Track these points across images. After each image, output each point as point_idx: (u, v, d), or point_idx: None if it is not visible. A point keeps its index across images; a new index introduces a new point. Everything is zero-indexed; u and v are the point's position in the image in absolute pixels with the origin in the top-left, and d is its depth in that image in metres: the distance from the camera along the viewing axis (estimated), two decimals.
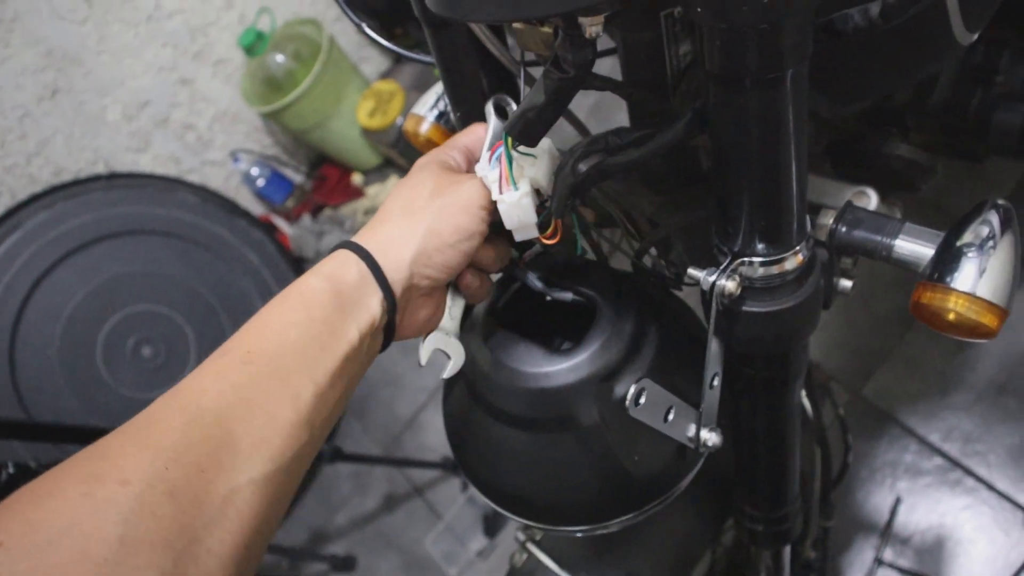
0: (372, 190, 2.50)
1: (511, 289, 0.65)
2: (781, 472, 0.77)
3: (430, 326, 0.59)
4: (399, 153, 2.38)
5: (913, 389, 1.59)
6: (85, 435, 1.24)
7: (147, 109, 2.34)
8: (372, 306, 0.52)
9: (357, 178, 2.57)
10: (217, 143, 2.48)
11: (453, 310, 0.60)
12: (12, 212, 1.93)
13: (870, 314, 1.68)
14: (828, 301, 0.64)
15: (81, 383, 1.83)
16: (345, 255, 0.54)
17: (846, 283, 0.63)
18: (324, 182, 2.60)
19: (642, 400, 0.52)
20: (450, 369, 0.59)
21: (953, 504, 1.46)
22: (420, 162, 0.58)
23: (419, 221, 0.54)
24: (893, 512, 1.48)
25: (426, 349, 0.59)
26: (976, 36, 0.70)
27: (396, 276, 0.53)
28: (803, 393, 0.99)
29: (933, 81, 0.98)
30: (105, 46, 2.22)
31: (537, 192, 0.56)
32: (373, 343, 0.53)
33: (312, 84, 2.22)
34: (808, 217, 0.58)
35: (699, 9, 0.43)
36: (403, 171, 2.52)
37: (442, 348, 0.59)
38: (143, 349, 1.91)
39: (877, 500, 1.51)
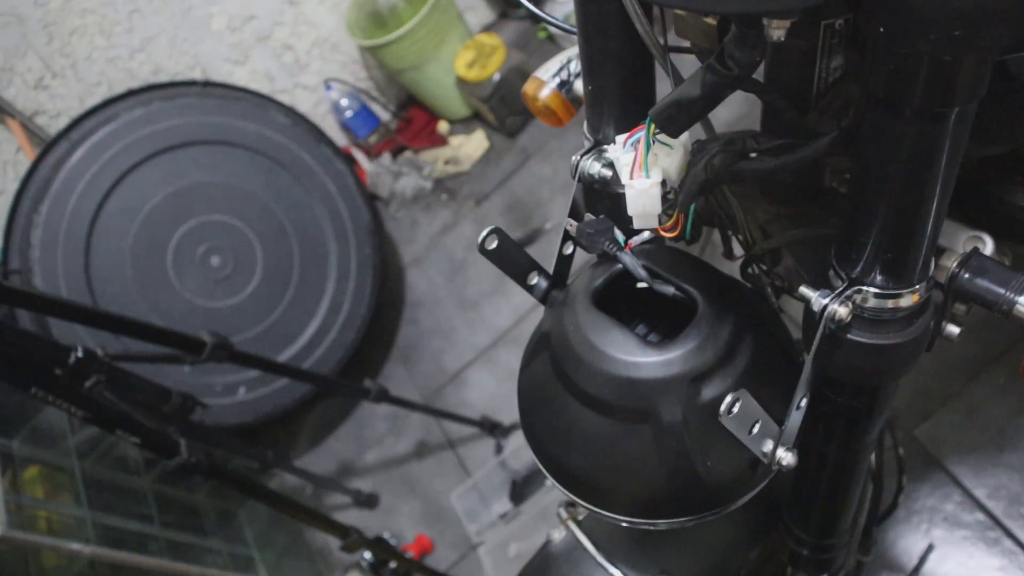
0: (456, 140, 2.50)
1: (612, 271, 0.64)
2: (840, 503, 0.76)
3: None
4: (489, 108, 2.37)
5: (968, 440, 1.55)
6: (145, 331, 1.27)
7: (251, 23, 2.35)
8: None
9: (443, 126, 2.57)
10: (313, 68, 2.49)
11: None
12: (110, 102, 1.97)
13: (937, 357, 1.64)
14: (931, 344, 0.63)
15: (149, 281, 1.88)
16: None
17: (953, 329, 0.61)
18: (410, 124, 2.60)
19: (735, 409, 0.52)
20: None
21: (987, 563, 1.43)
22: None
23: None
24: (923, 558, 1.45)
25: None
26: None
27: None
28: None
29: None
30: None
31: (663, 183, 0.56)
32: None
33: (417, 25, 2.21)
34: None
35: (881, 29, 0.42)
36: (490, 127, 2.51)
37: None
38: (212, 258, 1.94)
39: (909, 543, 1.49)
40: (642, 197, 0.53)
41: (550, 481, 0.67)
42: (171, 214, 1.90)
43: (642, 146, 0.52)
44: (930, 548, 1.47)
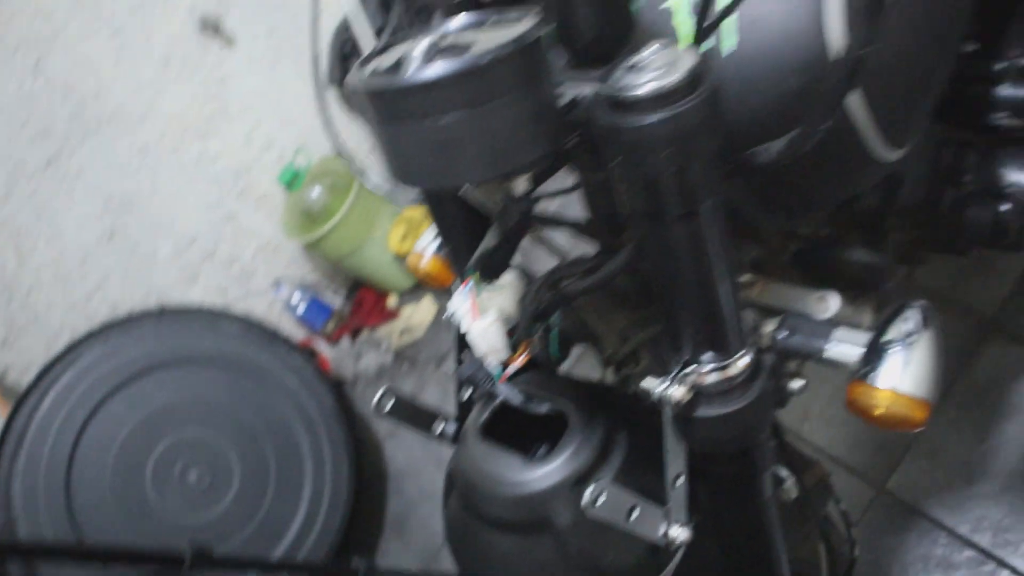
0: (406, 311, 2.61)
1: (494, 404, 0.72)
2: (767, 567, 0.80)
3: None
4: None
5: (938, 480, 1.59)
6: (132, 557, 1.31)
7: (195, 245, 2.50)
8: None
9: (392, 300, 2.68)
10: (260, 273, 2.62)
11: None
12: (71, 348, 2.07)
13: None
14: (783, 400, 0.70)
15: (131, 510, 1.92)
16: None
17: (797, 383, 0.69)
18: (361, 305, 2.72)
19: (601, 501, 0.58)
20: None
21: None
22: None
23: None
24: None
25: None
26: (905, 150, 0.77)
27: None
28: (799, 487, 1.03)
29: (898, 185, 1.04)
30: (157, 190, 2.41)
31: (508, 319, 0.64)
32: None
33: (345, 215, 2.36)
34: (754, 326, 0.65)
35: (613, 163, 0.52)
36: (434, 292, 2.63)
37: None
38: (190, 473, 1.99)
39: None
40: (484, 336, 0.62)
41: None
42: (143, 440, 1.97)
43: (472, 293, 0.61)
44: None
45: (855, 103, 0.66)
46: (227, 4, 2.25)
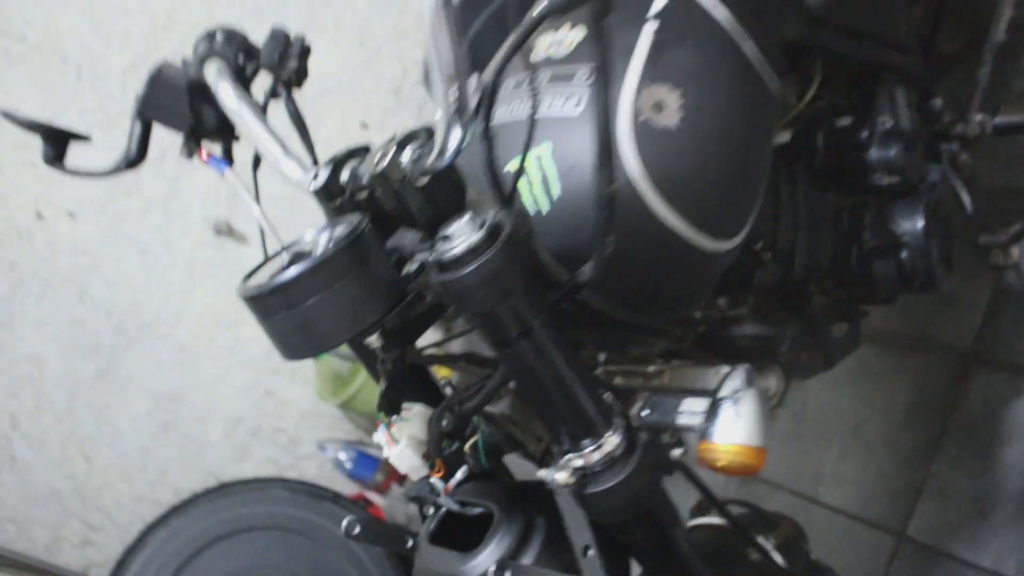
0: None
1: (439, 514, 0.85)
2: None
3: None
4: None
5: (953, 518, 1.63)
6: None
7: (242, 424, 2.70)
8: None
9: None
10: (305, 439, 2.80)
11: None
12: (141, 537, 2.26)
13: (894, 455, 1.76)
14: (668, 468, 0.82)
15: None
16: None
17: (677, 451, 0.81)
18: None
19: None
20: None
21: None
22: None
23: None
24: None
25: None
26: (740, 238, 0.91)
27: None
28: (772, 545, 1.12)
29: (790, 259, 1.17)
30: (199, 381, 2.63)
31: (422, 443, 0.79)
32: None
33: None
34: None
35: (452, 307, 0.68)
36: None
37: None
38: None
39: None
40: (400, 459, 0.76)
41: None
42: None
43: (383, 428, 0.76)
44: None
45: (666, 215, 0.81)
46: (234, 208, 2.52)
